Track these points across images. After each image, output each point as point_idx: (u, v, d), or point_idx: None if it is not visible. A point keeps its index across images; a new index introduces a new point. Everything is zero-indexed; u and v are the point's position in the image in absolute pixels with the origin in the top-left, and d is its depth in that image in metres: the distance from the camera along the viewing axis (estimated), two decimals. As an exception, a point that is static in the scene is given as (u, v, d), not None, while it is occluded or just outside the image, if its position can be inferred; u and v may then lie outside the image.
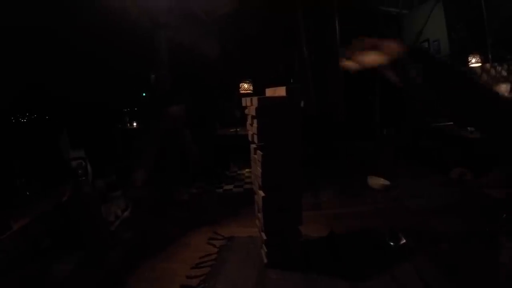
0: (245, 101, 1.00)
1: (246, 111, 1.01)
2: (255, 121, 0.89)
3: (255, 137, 0.91)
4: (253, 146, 1.02)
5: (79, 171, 1.48)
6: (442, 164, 2.58)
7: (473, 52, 4.98)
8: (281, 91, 0.88)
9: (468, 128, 4.30)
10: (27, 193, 1.91)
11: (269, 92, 0.98)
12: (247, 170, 2.54)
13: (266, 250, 1.05)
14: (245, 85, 4.05)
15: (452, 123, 5.09)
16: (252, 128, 0.96)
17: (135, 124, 6.73)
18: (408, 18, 6.24)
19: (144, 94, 7.22)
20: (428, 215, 1.56)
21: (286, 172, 0.92)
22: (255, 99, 0.88)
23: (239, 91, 4.21)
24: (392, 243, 1.20)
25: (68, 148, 1.68)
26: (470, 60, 5.00)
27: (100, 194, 1.85)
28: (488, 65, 5.05)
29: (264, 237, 1.03)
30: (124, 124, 6.89)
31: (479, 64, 5.00)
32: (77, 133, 1.99)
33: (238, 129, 3.95)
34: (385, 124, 2.36)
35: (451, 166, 2.19)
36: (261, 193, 0.94)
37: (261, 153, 0.89)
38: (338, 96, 4.02)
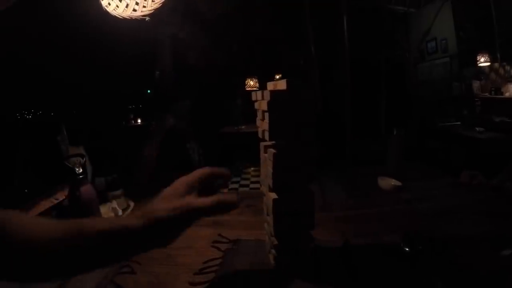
0: (255, 95, 0.92)
1: (256, 105, 0.94)
2: (266, 116, 0.81)
3: (266, 134, 0.83)
4: (263, 144, 0.94)
5: (77, 169, 1.41)
6: (451, 165, 2.52)
7: (481, 51, 4.93)
8: (281, 85, 0.80)
9: (477, 128, 4.24)
10: (26, 191, 1.85)
11: (270, 86, 0.90)
12: (252, 169, 2.47)
13: (274, 255, 0.97)
14: (251, 82, 4.01)
15: (459, 123, 5.04)
16: (262, 124, 0.88)
17: (139, 121, 6.76)
18: (416, 16, 6.19)
19: (149, 91, 7.23)
20: (440, 218, 1.49)
21: (299, 172, 0.84)
22: (267, 92, 0.80)
23: (244, 88, 4.17)
24: (407, 249, 1.13)
25: (67, 145, 1.62)
26: (479, 59, 4.97)
27: (100, 193, 1.79)
28: (496, 65, 5.01)
29: (273, 242, 0.95)
30: (128, 121, 6.91)
31: (488, 64, 4.96)
32: (77, 130, 1.94)
33: (243, 127, 3.91)
34: (394, 124, 2.29)
35: (461, 167, 2.12)
36: (272, 195, 0.86)
37: (273, 151, 0.81)
38: (345, 95, 3.95)
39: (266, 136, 0.85)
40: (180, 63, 5.73)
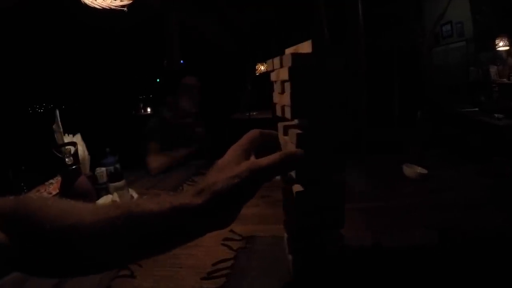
0: (272, 63, 0.75)
1: (273, 76, 0.76)
2: (287, 87, 0.64)
3: (287, 110, 0.66)
4: (282, 124, 0.75)
5: (66, 159, 1.27)
6: (472, 152, 2.37)
7: (500, 35, 4.80)
8: (305, 47, 0.63)
9: (495, 114, 4.07)
10: (22, 184, 1.73)
11: (289, 51, 0.72)
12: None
13: (296, 257, 0.82)
14: (262, 67, 3.88)
15: (476, 109, 4.87)
16: (282, 99, 0.71)
17: (149, 110, 6.77)
18: (430, -1, 6.01)
19: (158, 80, 7.22)
20: (470, 209, 1.33)
21: (328, 159, 0.68)
22: (287, 56, 0.63)
23: (255, 74, 4.05)
24: (442, 246, 0.98)
25: (61, 134, 1.48)
26: (498, 43, 4.84)
27: (100, 185, 1.66)
28: (514, 49, 4.89)
29: (295, 242, 0.80)
30: (138, 110, 6.92)
31: (507, 48, 4.83)
32: (74, 117, 1.82)
33: (254, 113, 3.80)
34: (419, 107, 2.13)
35: (483, 154, 1.97)
36: (296, 187, 0.70)
37: (296, 131, 0.65)
38: (360, 82, 3.81)
39: (287, 113, 0.68)
40: (188, 50, 5.64)
